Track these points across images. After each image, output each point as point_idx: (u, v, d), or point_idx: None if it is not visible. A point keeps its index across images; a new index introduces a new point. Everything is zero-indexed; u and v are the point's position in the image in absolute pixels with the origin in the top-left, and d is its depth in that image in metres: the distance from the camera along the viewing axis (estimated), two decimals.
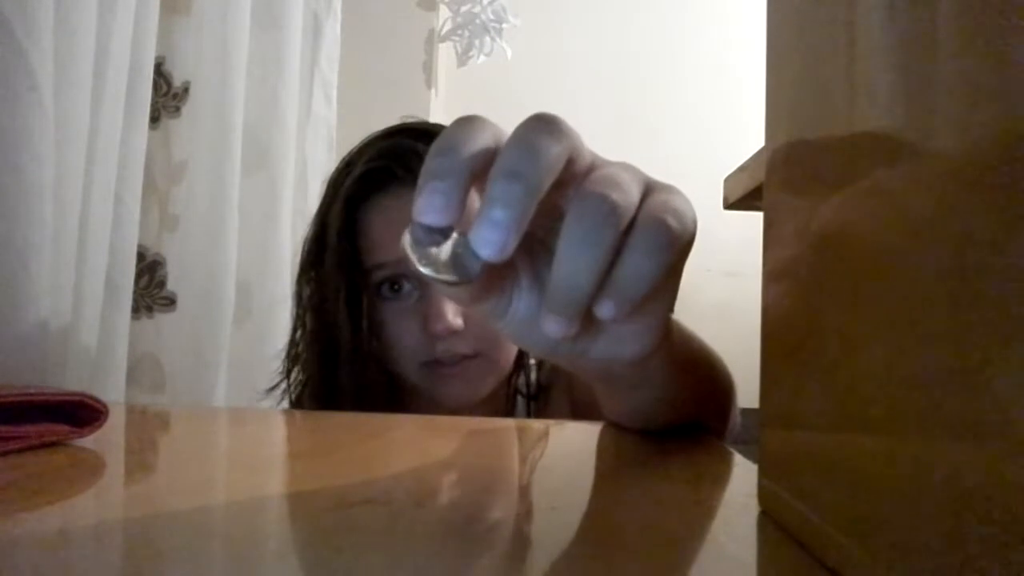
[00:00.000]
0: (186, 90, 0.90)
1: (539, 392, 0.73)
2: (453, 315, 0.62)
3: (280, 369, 0.72)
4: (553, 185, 0.24)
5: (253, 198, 0.98)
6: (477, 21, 1.52)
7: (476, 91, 1.76)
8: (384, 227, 0.65)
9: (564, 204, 0.25)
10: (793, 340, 0.23)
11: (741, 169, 0.88)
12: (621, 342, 0.29)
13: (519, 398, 0.73)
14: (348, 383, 0.65)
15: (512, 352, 0.68)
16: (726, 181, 0.92)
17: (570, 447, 0.41)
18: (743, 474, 0.32)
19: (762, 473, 0.25)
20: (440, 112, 1.69)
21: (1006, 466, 0.12)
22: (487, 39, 1.53)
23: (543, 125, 0.25)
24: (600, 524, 0.25)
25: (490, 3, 1.52)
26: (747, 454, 0.35)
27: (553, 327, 0.24)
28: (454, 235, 0.24)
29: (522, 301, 0.28)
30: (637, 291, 0.24)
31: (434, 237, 0.24)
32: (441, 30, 1.58)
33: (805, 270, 0.22)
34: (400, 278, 0.65)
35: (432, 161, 0.24)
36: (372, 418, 0.51)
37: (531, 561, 0.20)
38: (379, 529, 0.23)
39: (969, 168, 0.13)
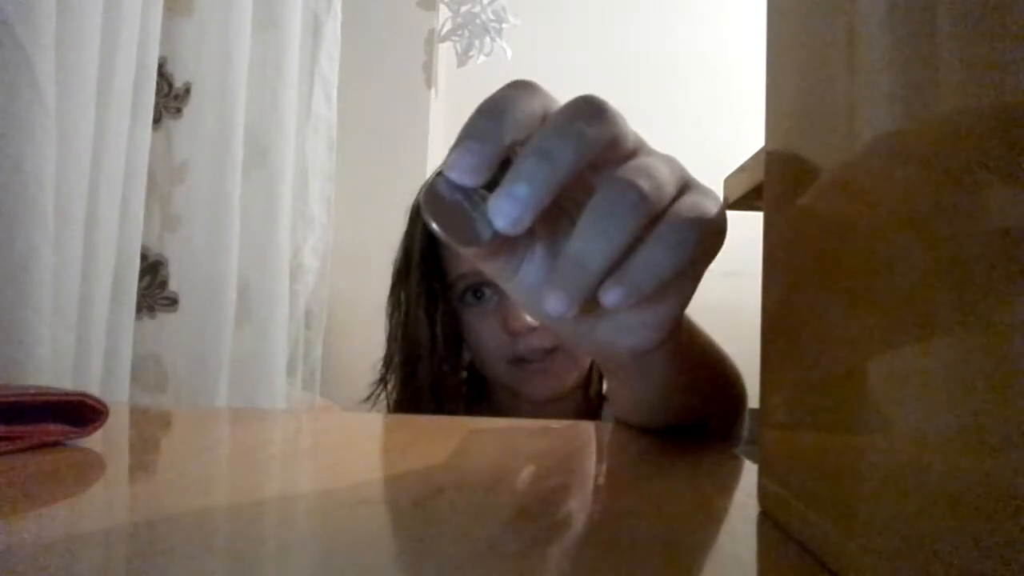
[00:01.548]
0: (187, 91, 0.90)
1: None
2: (523, 318, 0.67)
3: (377, 379, 0.80)
4: (590, 164, 0.24)
5: (253, 198, 0.98)
6: (477, 21, 1.52)
7: (476, 91, 1.75)
8: None
9: (596, 183, 0.25)
10: (793, 340, 0.23)
11: (741, 169, 0.88)
12: (624, 331, 0.29)
13: (606, 403, 0.76)
14: (429, 385, 0.72)
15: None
16: (726, 181, 0.91)
17: (572, 447, 0.41)
18: (743, 474, 0.32)
19: (762, 473, 0.25)
20: (440, 112, 1.69)
21: (1005, 466, 0.12)
22: (487, 39, 1.53)
23: (588, 110, 0.24)
24: (599, 523, 0.25)
25: (490, 3, 1.52)
26: (747, 454, 0.35)
27: (554, 303, 0.23)
28: (476, 196, 0.24)
29: (532, 267, 0.28)
30: (646, 284, 0.24)
31: (456, 194, 0.24)
32: (441, 30, 1.58)
33: (805, 270, 0.22)
34: (480, 286, 0.71)
35: (475, 120, 0.24)
36: (376, 419, 0.51)
37: (530, 559, 0.20)
38: (380, 529, 0.23)
39: (969, 168, 0.13)
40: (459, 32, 1.53)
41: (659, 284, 0.24)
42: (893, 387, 0.16)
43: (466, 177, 0.23)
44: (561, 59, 1.84)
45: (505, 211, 0.23)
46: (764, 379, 0.25)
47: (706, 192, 0.27)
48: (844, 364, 0.19)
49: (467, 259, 0.75)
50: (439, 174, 0.24)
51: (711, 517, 0.26)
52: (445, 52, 1.65)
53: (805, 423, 0.22)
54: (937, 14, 0.15)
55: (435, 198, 0.24)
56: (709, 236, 0.25)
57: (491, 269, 0.28)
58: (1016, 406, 0.12)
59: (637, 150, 0.26)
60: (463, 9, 1.51)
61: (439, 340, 0.72)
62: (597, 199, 0.24)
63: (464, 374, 0.79)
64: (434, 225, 0.24)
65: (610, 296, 0.24)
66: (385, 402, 0.79)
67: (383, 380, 0.78)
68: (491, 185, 0.24)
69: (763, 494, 0.25)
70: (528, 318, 0.67)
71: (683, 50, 1.92)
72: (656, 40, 1.92)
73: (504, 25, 1.54)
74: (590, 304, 0.24)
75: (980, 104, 0.13)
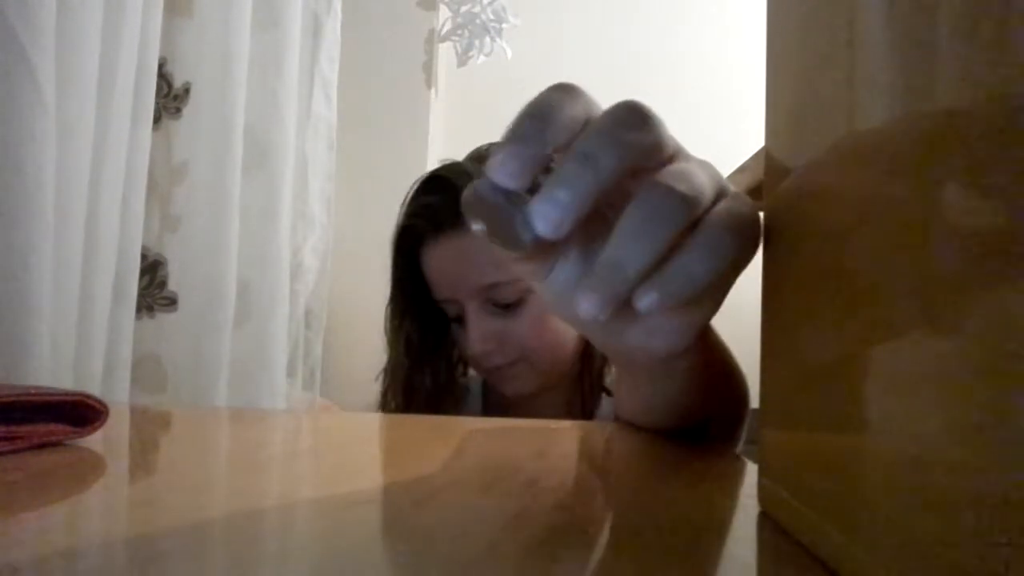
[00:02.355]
0: (187, 91, 0.90)
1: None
2: (481, 342, 0.73)
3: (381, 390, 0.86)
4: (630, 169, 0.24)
5: (253, 198, 0.98)
6: (477, 21, 1.52)
7: (476, 91, 1.76)
8: (432, 272, 0.76)
9: (635, 188, 0.25)
10: (793, 340, 0.23)
11: (741, 169, 0.88)
12: (654, 335, 0.29)
13: (604, 395, 0.81)
14: (429, 391, 0.79)
15: (561, 354, 0.76)
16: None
17: (571, 447, 0.41)
18: (743, 474, 0.32)
19: (762, 473, 0.25)
20: (440, 112, 1.69)
21: (1004, 467, 0.12)
22: (487, 39, 1.53)
23: (631, 116, 0.24)
24: (598, 524, 0.25)
25: (490, 3, 1.52)
26: (747, 454, 0.35)
27: (587, 306, 0.23)
28: (517, 199, 0.24)
29: (565, 269, 0.27)
30: (682, 290, 0.24)
31: (498, 196, 0.24)
32: (441, 30, 1.58)
33: (804, 270, 0.22)
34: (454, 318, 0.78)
35: (519, 123, 0.24)
36: (376, 419, 0.51)
37: (530, 559, 0.20)
38: (380, 529, 0.23)
39: (968, 169, 0.13)
40: (459, 32, 1.53)
41: (695, 291, 0.24)
42: (892, 386, 0.16)
43: (509, 180, 0.23)
44: (561, 59, 1.84)
45: (546, 215, 0.23)
46: (764, 379, 0.25)
47: (742, 199, 0.27)
48: (844, 363, 0.19)
49: (439, 288, 0.81)
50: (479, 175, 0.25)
51: (711, 517, 0.26)
52: (445, 52, 1.65)
53: (805, 423, 0.22)
54: (938, 14, 0.15)
55: (478, 200, 0.24)
56: (745, 243, 0.25)
57: (525, 270, 0.28)
58: (1013, 404, 0.12)
59: (675, 155, 0.26)
60: (463, 9, 1.51)
61: (415, 355, 0.79)
62: (636, 203, 0.24)
63: (466, 372, 0.86)
64: (476, 227, 0.24)
65: (645, 301, 0.23)
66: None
67: (384, 389, 0.84)
68: (533, 188, 0.24)
69: (763, 494, 0.25)
70: (480, 347, 0.73)
71: (683, 50, 1.92)
72: (656, 40, 1.92)
73: (504, 25, 1.54)
74: (623, 308, 0.24)
75: (979, 106, 0.13)
